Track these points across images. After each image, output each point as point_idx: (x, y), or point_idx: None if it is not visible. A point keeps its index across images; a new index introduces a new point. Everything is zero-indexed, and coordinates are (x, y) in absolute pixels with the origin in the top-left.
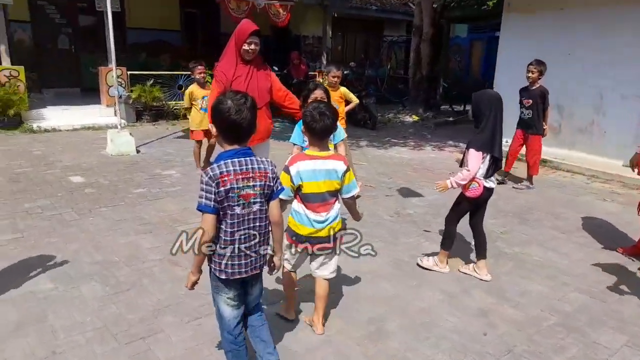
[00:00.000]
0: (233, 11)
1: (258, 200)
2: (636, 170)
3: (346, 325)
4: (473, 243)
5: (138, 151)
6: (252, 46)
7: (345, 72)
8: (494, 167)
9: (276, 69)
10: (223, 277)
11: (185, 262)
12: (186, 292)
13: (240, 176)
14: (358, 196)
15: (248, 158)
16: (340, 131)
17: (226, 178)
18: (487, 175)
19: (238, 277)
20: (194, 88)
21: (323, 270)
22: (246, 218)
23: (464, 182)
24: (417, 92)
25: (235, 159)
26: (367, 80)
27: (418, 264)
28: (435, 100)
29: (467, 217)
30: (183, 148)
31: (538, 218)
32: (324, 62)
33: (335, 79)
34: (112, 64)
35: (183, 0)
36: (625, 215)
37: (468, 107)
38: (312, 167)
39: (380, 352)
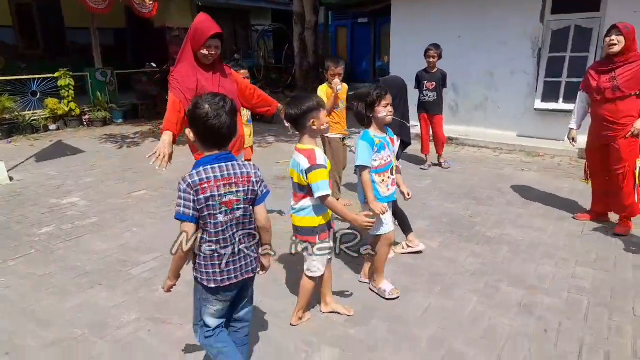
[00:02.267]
0: (90, 1)
1: (242, 206)
2: (574, 143)
3: (414, 357)
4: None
5: (11, 178)
6: (212, 50)
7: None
8: (401, 150)
9: (154, 65)
10: (212, 285)
11: (173, 316)
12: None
13: (221, 182)
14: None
15: (230, 163)
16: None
17: (206, 185)
18: (397, 158)
19: (228, 283)
20: None
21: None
22: (229, 225)
23: None
24: (305, 81)
25: (216, 165)
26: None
27: (396, 252)
28: None
29: None
30: (66, 168)
31: (488, 196)
32: None
33: (338, 77)
34: None
35: None
36: (550, 182)
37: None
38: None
39: None
